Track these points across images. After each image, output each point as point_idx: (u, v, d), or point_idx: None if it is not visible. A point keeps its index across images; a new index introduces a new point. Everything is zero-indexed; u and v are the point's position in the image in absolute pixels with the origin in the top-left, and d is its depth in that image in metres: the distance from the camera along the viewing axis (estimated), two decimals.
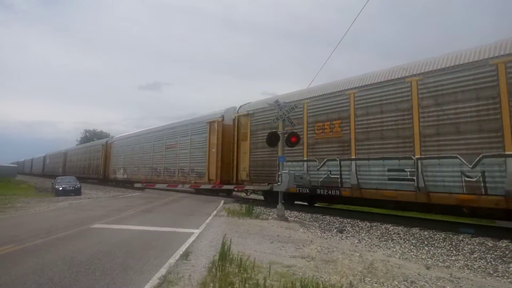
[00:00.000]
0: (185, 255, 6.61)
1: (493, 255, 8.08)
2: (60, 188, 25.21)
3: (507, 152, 9.25)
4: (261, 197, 20.02)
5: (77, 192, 25.50)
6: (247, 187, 18.06)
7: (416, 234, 10.21)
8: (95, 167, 41.27)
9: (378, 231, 10.94)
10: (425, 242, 9.52)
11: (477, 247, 8.70)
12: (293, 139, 13.19)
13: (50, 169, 64.00)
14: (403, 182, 11.45)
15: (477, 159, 9.73)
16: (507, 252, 8.11)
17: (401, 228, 10.91)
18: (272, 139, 13.31)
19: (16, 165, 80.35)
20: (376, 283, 5.50)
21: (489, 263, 7.67)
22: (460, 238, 9.42)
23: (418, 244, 9.47)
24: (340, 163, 13.58)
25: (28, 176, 72.95)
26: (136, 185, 26.22)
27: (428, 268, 7.01)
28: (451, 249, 8.83)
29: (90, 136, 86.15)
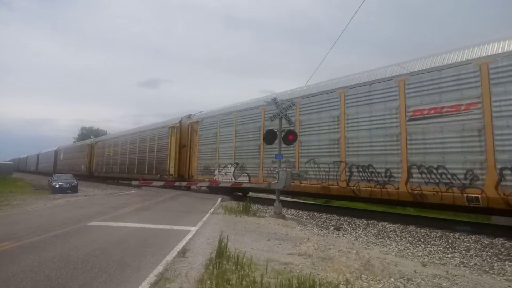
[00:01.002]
0: (182, 253, 6.61)
1: (489, 253, 8.13)
2: (57, 186, 25.13)
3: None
4: None
5: (74, 189, 25.42)
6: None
7: (413, 231, 10.25)
8: (157, 164, 26.71)
9: (375, 229, 10.98)
10: (422, 240, 9.56)
11: (473, 244, 8.75)
12: (290, 137, 13.19)
13: (66, 167, 50.71)
14: None
15: None
16: (502, 250, 8.16)
17: (397, 225, 10.95)
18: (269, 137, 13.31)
19: (12, 162, 79.69)
20: (372, 280, 5.52)
21: (485, 261, 7.72)
22: (456, 236, 9.47)
23: (414, 241, 9.51)
24: None
25: (33, 175, 62.24)
26: (134, 182, 26.09)
27: (424, 266, 7.05)
28: (447, 246, 8.88)
29: (86, 133, 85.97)
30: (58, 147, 60.85)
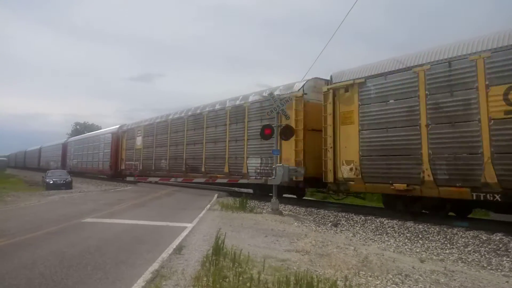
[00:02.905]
0: (178, 250, 6.54)
1: (487, 248, 8.11)
2: (51, 182, 24.90)
3: None
4: None
5: (68, 186, 25.23)
6: None
7: (411, 227, 10.22)
8: None
9: (373, 225, 10.95)
10: (420, 236, 9.53)
11: (471, 240, 8.72)
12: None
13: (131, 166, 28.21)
14: None
15: None
16: (500, 246, 8.14)
17: (395, 221, 10.91)
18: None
19: (6, 158, 79.01)
20: (370, 277, 5.48)
21: (483, 256, 7.70)
22: (454, 232, 9.44)
23: (412, 237, 9.49)
24: None
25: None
26: (129, 178, 25.88)
27: (422, 262, 7.02)
28: (445, 242, 8.86)
29: (80, 129, 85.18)
30: (122, 124, 33.37)
